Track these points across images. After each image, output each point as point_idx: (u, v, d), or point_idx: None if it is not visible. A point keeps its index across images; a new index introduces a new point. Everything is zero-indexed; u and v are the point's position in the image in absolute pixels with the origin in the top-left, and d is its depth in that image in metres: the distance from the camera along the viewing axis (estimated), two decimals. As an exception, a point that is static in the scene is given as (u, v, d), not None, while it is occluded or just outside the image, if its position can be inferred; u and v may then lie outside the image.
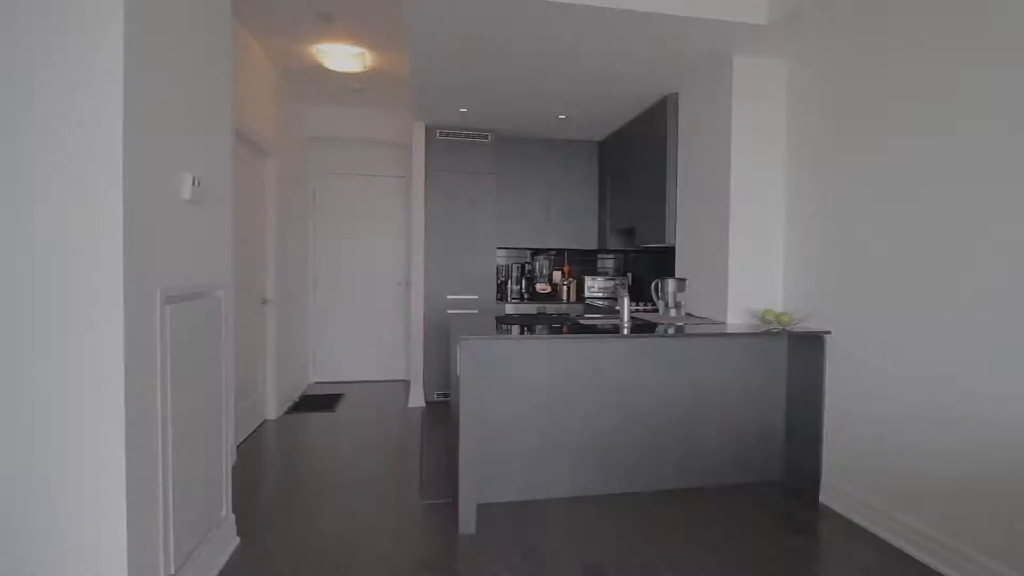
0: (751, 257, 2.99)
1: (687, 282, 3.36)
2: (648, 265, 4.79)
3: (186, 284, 1.75)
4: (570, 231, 4.92)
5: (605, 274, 5.34)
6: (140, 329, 1.47)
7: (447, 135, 4.42)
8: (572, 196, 4.90)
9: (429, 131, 4.40)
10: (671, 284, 3.31)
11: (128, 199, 1.39)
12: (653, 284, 3.34)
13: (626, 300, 2.84)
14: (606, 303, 4.52)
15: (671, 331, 2.69)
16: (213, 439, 1.98)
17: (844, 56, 2.56)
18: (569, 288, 4.91)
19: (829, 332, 2.66)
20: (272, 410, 3.97)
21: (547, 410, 2.67)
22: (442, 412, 4.25)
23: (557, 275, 5.15)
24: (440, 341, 4.47)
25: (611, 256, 5.38)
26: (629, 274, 5.13)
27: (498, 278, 4.88)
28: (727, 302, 2.99)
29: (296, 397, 4.58)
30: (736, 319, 2.99)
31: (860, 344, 2.49)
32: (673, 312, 3.29)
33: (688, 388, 2.83)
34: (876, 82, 2.39)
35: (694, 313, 3.33)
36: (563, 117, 4.14)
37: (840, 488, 2.59)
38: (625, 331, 2.65)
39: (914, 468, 2.21)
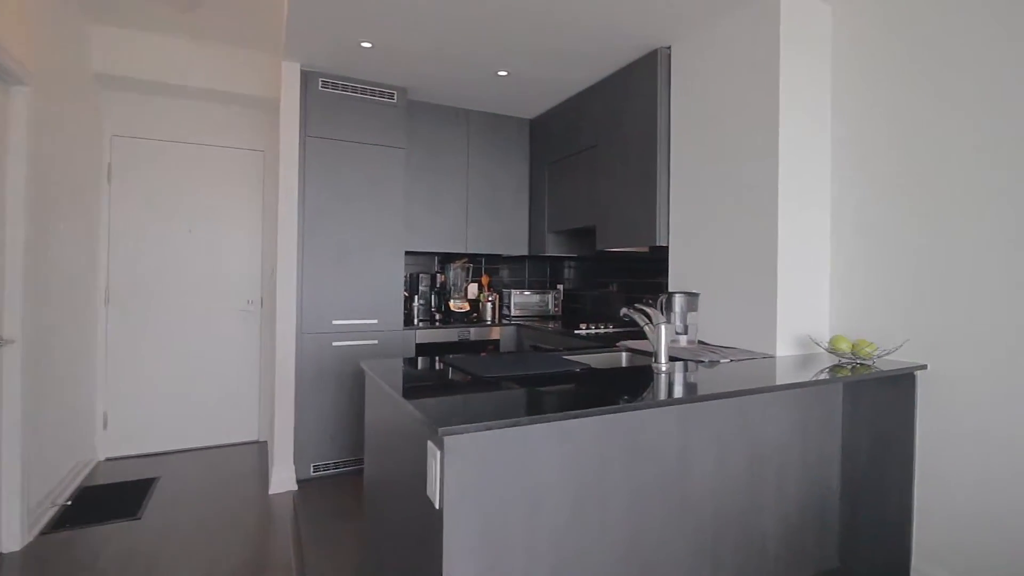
0: (803, 267, 2.20)
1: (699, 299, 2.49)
2: (589, 275, 3.89)
3: None
4: (495, 233, 3.82)
5: (532, 287, 4.34)
6: None
7: (335, 86, 3.05)
8: (497, 187, 3.81)
9: (308, 79, 2.98)
10: (679, 300, 2.40)
11: None
12: (660, 300, 2.39)
13: (663, 329, 1.84)
14: (537, 323, 3.50)
15: (726, 378, 1.74)
16: None
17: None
18: (495, 305, 3.80)
19: (925, 367, 1.94)
20: (14, 535, 2.21)
21: (561, 520, 1.54)
22: (327, 497, 2.82)
23: (473, 288, 4.01)
24: (322, 388, 3.04)
25: (522, 264, 4.39)
26: (560, 287, 4.19)
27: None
28: (775, 327, 2.15)
29: (67, 498, 2.77)
30: (786, 350, 2.17)
31: (975, 382, 1.79)
32: (684, 340, 2.38)
33: (745, 458, 1.92)
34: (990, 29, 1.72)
35: (706, 340, 2.45)
36: (504, 74, 3.05)
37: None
38: (678, 390, 1.65)
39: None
